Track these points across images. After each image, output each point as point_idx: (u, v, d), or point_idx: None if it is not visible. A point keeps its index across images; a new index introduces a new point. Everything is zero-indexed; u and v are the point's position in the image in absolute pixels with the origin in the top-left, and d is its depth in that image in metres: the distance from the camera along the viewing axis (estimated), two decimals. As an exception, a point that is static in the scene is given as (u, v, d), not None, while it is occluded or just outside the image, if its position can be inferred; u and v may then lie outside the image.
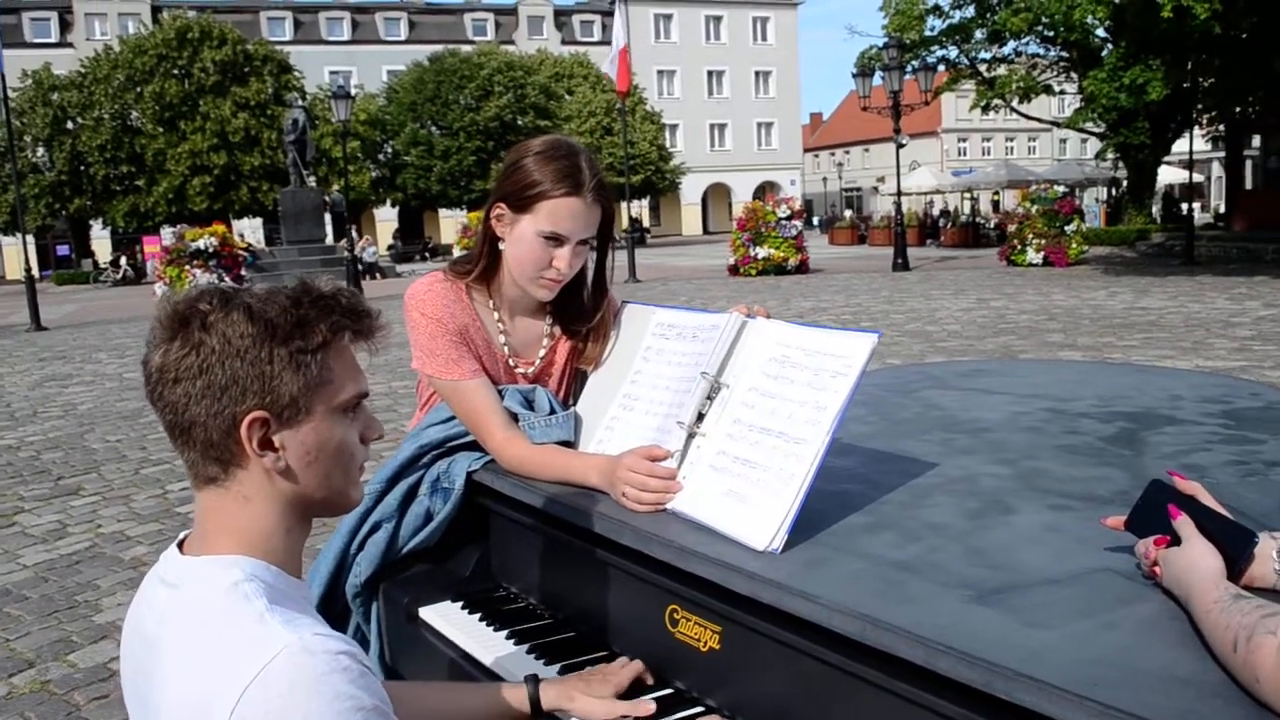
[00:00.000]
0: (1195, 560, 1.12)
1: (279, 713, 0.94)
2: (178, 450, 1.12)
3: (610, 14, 22.63)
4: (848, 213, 61.20)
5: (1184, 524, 1.17)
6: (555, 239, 1.85)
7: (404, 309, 1.98)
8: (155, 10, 53.66)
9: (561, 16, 64.46)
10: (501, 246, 1.92)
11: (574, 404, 2.02)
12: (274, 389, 1.08)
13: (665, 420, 1.72)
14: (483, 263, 1.96)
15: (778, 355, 1.61)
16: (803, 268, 23.53)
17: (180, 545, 1.16)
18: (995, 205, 49.47)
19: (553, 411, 1.95)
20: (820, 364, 1.53)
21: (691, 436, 1.65)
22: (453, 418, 1.99)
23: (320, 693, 0.96)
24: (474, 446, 1.96)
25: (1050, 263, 21.81)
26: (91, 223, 48.21)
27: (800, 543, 1.43)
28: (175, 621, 1.07)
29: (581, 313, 2.03)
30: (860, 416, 2.25)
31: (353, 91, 32.64)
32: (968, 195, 43.10)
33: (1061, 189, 23.35)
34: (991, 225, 34.76)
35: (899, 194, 24.73)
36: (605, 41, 23.80)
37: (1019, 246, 22.52)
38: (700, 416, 1.66)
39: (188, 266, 21.53)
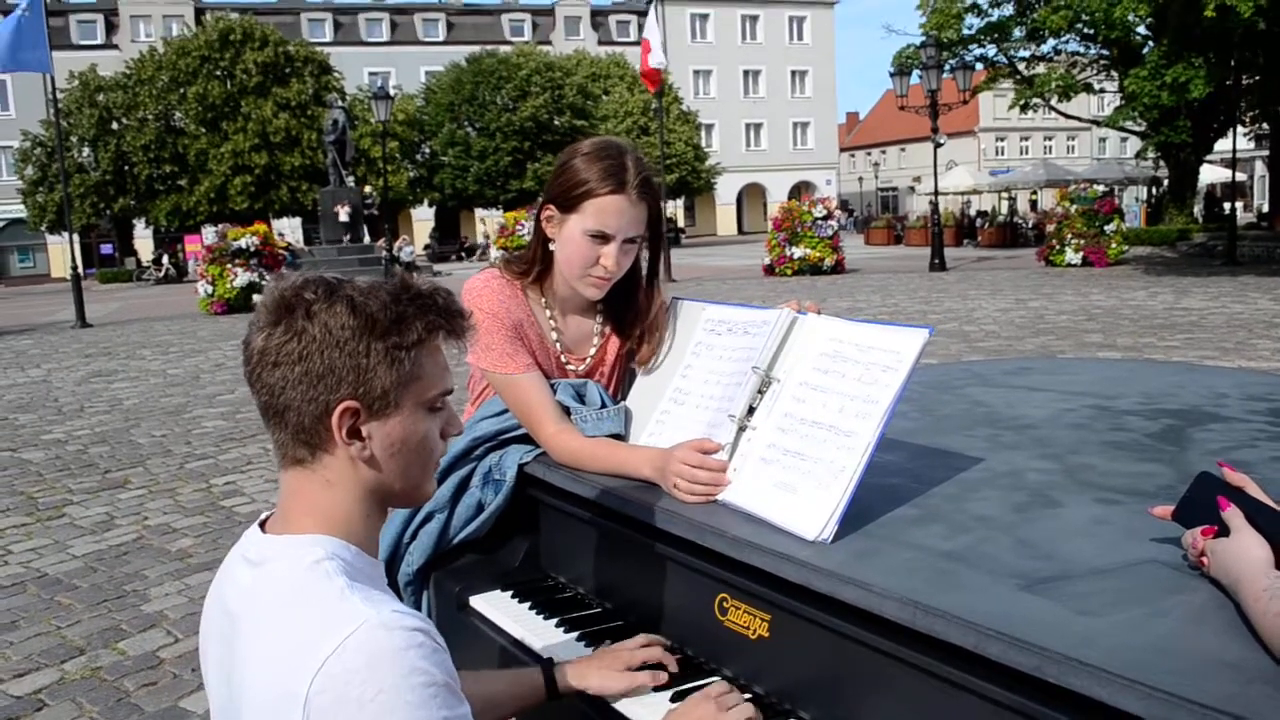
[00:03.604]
0: (1244, 550, 1.14)
1: (356, 685, 0.99)
2: (269, 430, 1.17)
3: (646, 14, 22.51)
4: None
5: (1233, 515, 1.19)
6: (601, 237, 1.88)
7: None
8: (199, 12, 54.40)
9: (598, 17, 64.58)
10: (552, 247, 1.96)
11: (624, 399, 2.06)
12: (368, 381, 1.12)
13: (716, 414, 1.75)
14: (537, 266, 2.01)
15: (829, 350, 1.64)
16: (839, 268, 23.46)
17: (262, 525, 1.20)
18: (1033, 205, 49.00)
19: (604, 405, 1.99)
20: (871, 359, 1.56)
21: (742, 430, 1.68)
22: (504, 411, 2.03)
23: (396, 667, 1.00)
24: (525, 439, 2.00)
25: (1089, 263, 21.60)
26: (135, 222, 48.88)
27: (849, 534, 1.46)
28: (258, 597, 1.12)
29: (632, 312, 2.07)
30: (905, 413, 2.27)
31: (391, 92, 32.90)
32: (1005, 195, 42.70)
33: (1101, 188, 23.17)
34: (1030, 225, 34.44)
35: (936, 194, 24.58)
36: (640, 42, 23.61)
37: (1058, 247, 22.31)
38: (751, 410, 1.69)
39: (229, 265, 21.78)
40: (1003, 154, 67.72)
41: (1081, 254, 21.72)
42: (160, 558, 5.14)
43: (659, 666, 1.55)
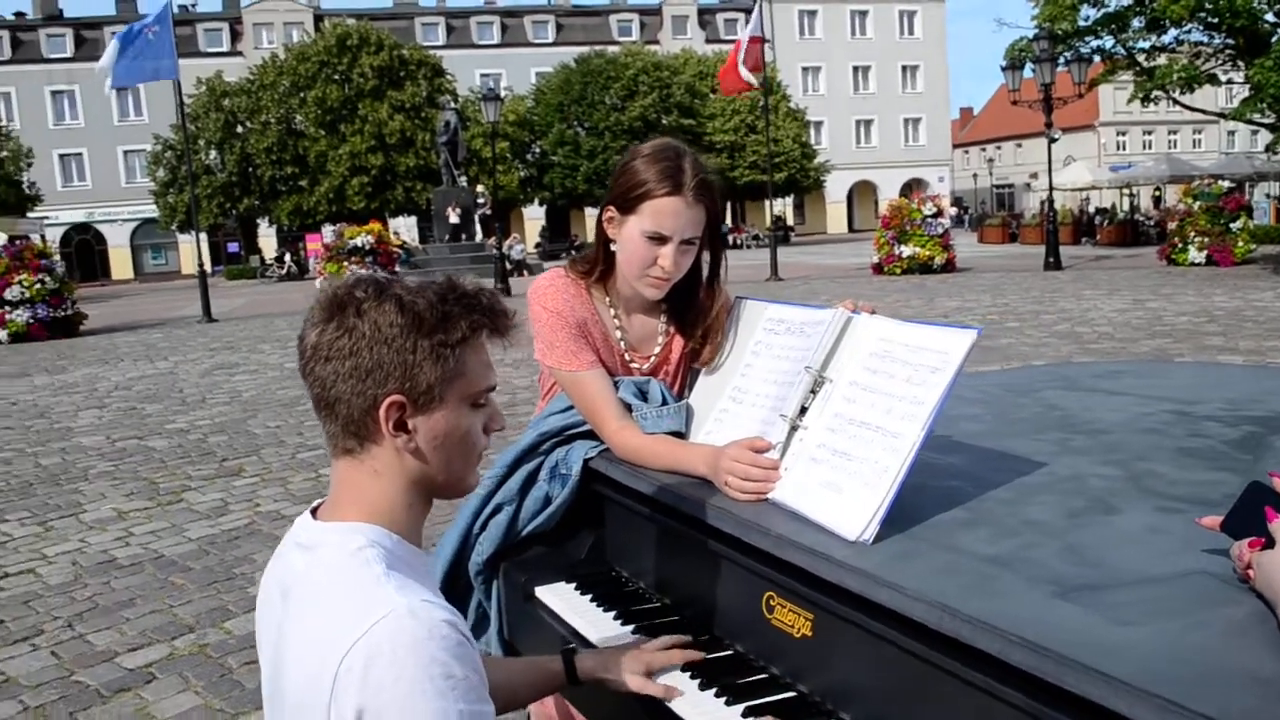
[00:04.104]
0: (1288, 563, 1.11)
1: (379, 669, 1.03)
2: (321, 422, 1.23)
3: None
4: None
5: (1280, 527, 1.15)
6: (659, 238, 1.91)
7: (527, 303, 2.08)
8: (318, 19, 56.22)
9: (705, 15, 64.51)
10: (613, 248, 2.00)
11: (688, 395, 2.09)
12: (414, 376, 1.17)
13: (770, 413, 1.77)
14: (600, 266, 2.05)
15: (879, 350, 1.64)
16: (949, 266, 22.99)
17: (314, 512, 1.27)
18: (1156, 202, 47.13)
19: (665, 403, 2.02)
20: (920, 359, 1.55)
21: (794, 429, 1.69)
22: (571, 407, 2.07)
23: (416, 656, 1.04)
24: (591, 435, 2.04)
25: (1214, 262, 20.68)
26: (259, 221, 50.85)
27: (894, 535, 1.45)
28: (306, 579, 1.18)
29: (693, 312, 2.09)
30: (975, 415, 2.24)
31: (502, 93, 33.50)
32: (1126, 191, 41.24)
33: (1227, 184, 22.11)
34: (1152, 223, 33.17)
35: (1050, 190, 23.88)
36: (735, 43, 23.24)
37: (1180, 245, 21.42)
38: (803, 410, 1.70)
39: (345, 263, 22.50)
40: (1124, 149, 65.34)
41: (1205, 252, 20.80)
42: (269, 543, 5.36)
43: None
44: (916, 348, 1.57)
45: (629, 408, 1.99)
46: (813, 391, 1.70)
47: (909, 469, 1.46)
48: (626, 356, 2.11)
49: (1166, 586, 1.23)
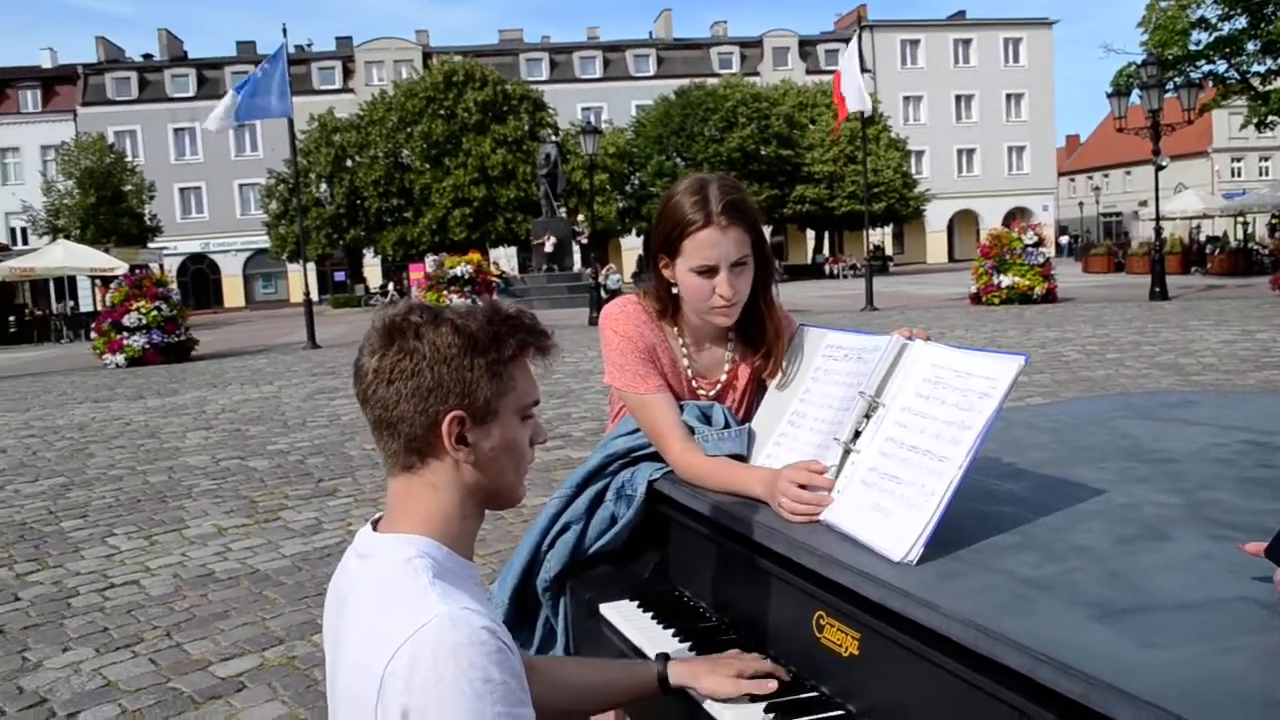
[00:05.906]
0: (1324, 590, 1.11)
1: (421, 671, 1.10)
2: (380, 442, 1.31)
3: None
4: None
5: (1321, 554, 1.15)
6: (708, 270, 1.97)
7: (599, 327, 2.16)
8: (426, 56, 57.89)
9: (806, 46, 64.49)
10: (675, 291, 2.07)
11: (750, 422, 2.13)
12: (472, 393, 1.26)
13: (826, 437, 1.80)
14: (669, 307, 2.12)
15: (931, 376, 1.66)
16: (1050, 297, 22.47)
17: (375, 524, 1.35)
18: (1272, 230, 45.30)
19: (727, 425, 2.06)
20: (969, 385, 1.58)
21: (848, 453, 1.73)
22: (637, 430, 2.14)
23: (456, 660, 1.11)
24: (656, 457, 2.10)
25: (1333, 293, 19.82)
26: (365, 251, 52.28)
27: (941, 556, 1.47)
28: (361, 587, 1.27)
29: (760, 331, 2.14)
30: (1042, 444, 2.23)
31: (602, 126, 34.02)
32: (1240, 219, 39.75)
33: (1348, 212, 21.19)
34: (1266, 252, 31.89)
35: (1158, 218, 23.19)
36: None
37: (1295, 275, 20.60)
38: (857, 434, 1.73)
39: (445, 292, 23.02)
40: (1239, 175, 63.08)
41: (1324, 283, 19.96)
42: (359, 563, 5.51)
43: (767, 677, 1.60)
44: (966, 374, 1.60)
45: (693, 431, 2.04)
46: (867, 416, 1.73)
47: (954, 492, 1.49)
48: (694, 383, 2.17)
49: (1204, 612, 1.23)
